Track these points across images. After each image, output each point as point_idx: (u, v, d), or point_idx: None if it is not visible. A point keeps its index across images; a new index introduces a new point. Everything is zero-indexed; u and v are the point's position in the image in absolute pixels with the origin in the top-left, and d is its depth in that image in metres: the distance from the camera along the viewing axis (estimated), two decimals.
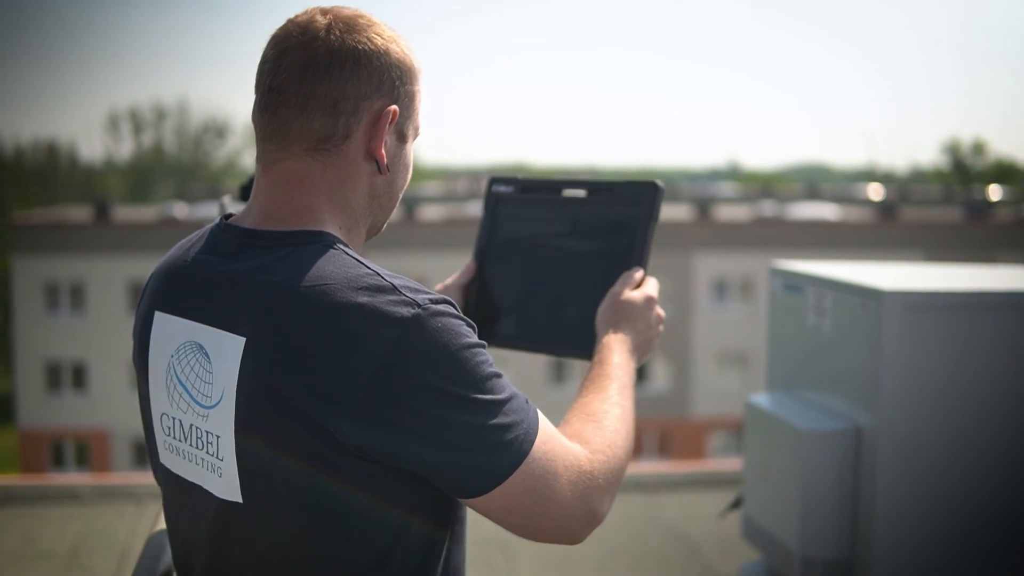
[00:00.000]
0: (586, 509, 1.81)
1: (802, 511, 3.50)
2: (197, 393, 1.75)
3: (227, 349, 1.70)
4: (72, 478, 11.97)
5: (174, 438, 1.82)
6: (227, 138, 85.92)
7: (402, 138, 1.87)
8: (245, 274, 1.73)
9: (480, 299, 2.32)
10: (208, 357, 1.73)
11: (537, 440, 1.74)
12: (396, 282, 1.69)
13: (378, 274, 1.69)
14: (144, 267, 38.38)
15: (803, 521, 3.51)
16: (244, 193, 3.20)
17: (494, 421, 1.69)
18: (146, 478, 8.50)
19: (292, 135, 1.78)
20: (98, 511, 6.93)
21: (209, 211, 40.51)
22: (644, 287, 2.21)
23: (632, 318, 2.17)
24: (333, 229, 1.80)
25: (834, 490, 3.49)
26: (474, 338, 1.72)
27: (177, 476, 1.85)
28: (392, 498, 1.71)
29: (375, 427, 1.62)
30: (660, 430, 40.37)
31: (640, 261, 2.20)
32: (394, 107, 1.80)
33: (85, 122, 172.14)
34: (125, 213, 47.22)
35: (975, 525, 3.45)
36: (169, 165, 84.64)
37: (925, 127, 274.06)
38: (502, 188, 2.34)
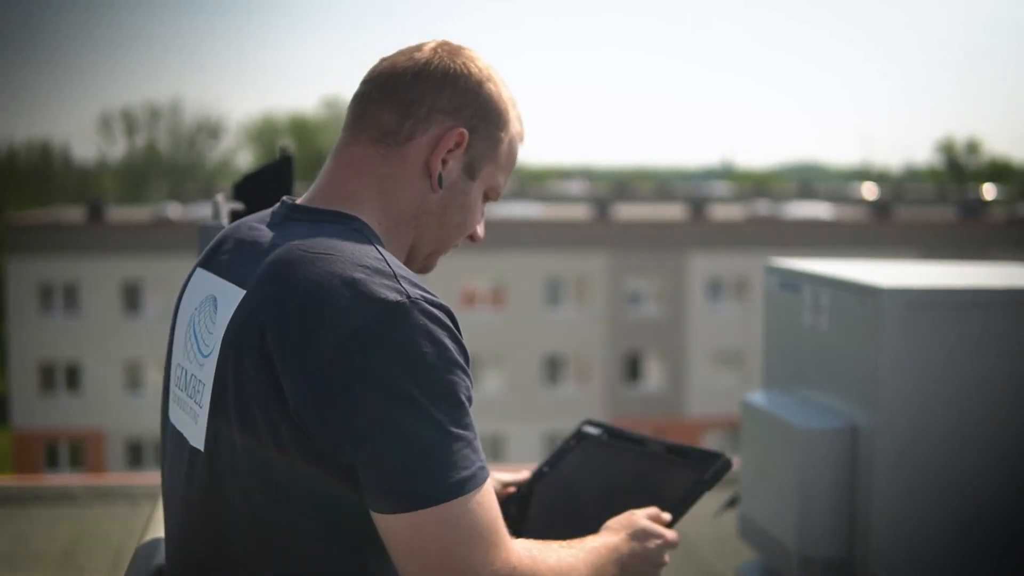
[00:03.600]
0: None
1: (799, 510, 3.49)
2: (202, 343, 1.80)
3: (231, 301, 1.74)
4: (66, 479, 11.96)
5: (179, 388, 1.86)
6: (221, 138, 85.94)
7: (470, 173, 1.91)
8: (272, 239, 1.79)
9: (516, 502, 2.34)
10: (216, 309, 1.79)
11: (475, 496, 1.63)
12: (399, 272, 1.68)
13: (386, 261, 1.70)
14: (138, 267, 38.36)
15: (800, 520, 3.50)
16: (237, 192, 3.18)
17: (439, 445, 1.61)
18: (140, 479, 8.48)
19: (365, 123, 1.88)
20: (92, 512, 6.91)
21: (203, 211, 40.46)
22: (673, 538, 2.05)
23: (636, 537, 2.00)
24: (371, 221, 1.84)
25: (831, 489, 3.48)
26: (458, 357, 1.66)
27: (174, 427, 1.87)
28: (338, 480, 1.66)
29: (319, 396, 1.60)
30: (655, 430, 40.12)
31: (675, 511, 2.11)
32: (463, 130, 1.86)
33: (79, 123, 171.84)
34: (119, 214, 47.16)
35: (973, 523, 3.44)
36: (163, 165, 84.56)
37: (919, 126, 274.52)
38: (591, 430, 2.38)
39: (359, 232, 1.78)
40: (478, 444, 1.67)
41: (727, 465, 2.15)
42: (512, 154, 1.97)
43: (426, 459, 1.60)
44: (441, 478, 1.60)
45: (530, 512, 2.31)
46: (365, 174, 1.86)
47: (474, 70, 1.89)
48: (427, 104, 1.85)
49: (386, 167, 1.86)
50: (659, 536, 2.01)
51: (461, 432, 1.63)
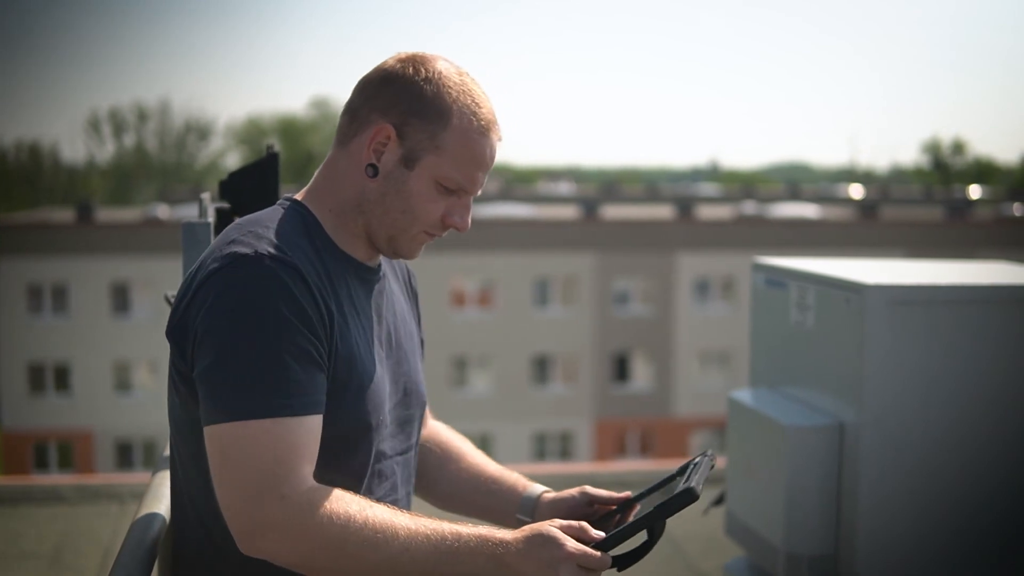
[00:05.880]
0: (252, 518, 1.86)
1: (786, 507, 3.50)
2: None
3: None
4: (55, 479, 11.95)
5: None
6: (209, 139, 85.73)
7: (407, 163, 2.07)
8: None
9: (618, 516, 2.43)
10: None
11: (261, 424, 1.85)
12: (268, 235, 1.96)
13: (270, 231, 1.98)
14: (127, 268, 38.26)
15: (787, 517, 3.50)
16: (223, 190, 3.18)
17: (240, 373, 1.86)
18: (128, 478, 8.47)
19: (337, 130, 2.15)
20: (81, 511, 6.91)
21: (192, 212, 40.36)
22: (582, 554, 1.99)
23: (532, 541, 1.97)
24: (321, 207, 2.11)
25: (818, 486, 3.49)
26: (281, 306, 1.89)
27: None
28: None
29: (179, 322, 1.95)
30: (642, 429, 40.40)
31: (615, 533, 2.09)
32: (387, 125, 2.05)
33: (67, 124, 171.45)
34: (108, 214, 47.05)
35: (958, 520, 3.45)
36: (152, 166, 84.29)
37: (906, 127, 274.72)
38: (697, 459, 2.41)
39: (283, 209, 2.08)
40: (291, 387, 1.88)
41: (685, 497, 2.08)
42: (464, 148, 2.07)
43: (222, 384, 1.87)
44: (228, 402, 1.86)
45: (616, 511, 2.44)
46: (326, 170, 2.14)
47: (410, 71, 2.07)
48: (367, 106, 2.08)
49: (338, 163, 2.13)
50: (560, 546, 1.96)
51: (263, 369, 1.87)
